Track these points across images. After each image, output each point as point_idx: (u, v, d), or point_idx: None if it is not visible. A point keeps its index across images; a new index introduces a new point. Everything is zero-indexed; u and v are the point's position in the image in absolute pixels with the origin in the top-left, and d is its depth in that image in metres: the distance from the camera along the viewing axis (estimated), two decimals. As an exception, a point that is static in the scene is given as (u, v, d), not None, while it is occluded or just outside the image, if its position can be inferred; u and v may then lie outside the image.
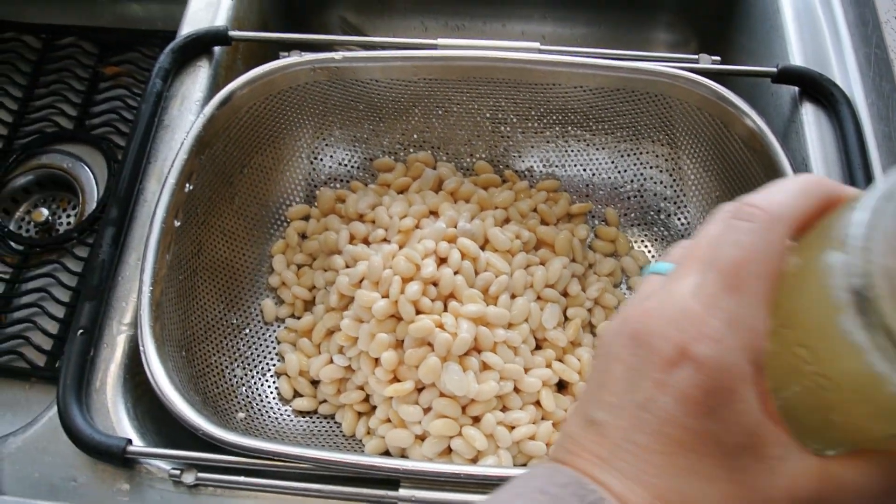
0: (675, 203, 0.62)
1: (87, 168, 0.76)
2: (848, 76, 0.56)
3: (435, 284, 0.54)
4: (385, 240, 0.58)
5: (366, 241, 0.59)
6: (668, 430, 0.23)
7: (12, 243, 0.72)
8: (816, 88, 0.55)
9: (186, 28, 0.60)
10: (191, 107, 0.56)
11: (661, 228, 0.62)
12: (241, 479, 0.44)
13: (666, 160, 0.62)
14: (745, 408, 0.23)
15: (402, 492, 0.43)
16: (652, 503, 0.23)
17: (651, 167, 0.63)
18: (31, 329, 0.67)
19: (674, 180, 0.62)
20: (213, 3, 0.61)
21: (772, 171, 0.52)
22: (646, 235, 0.63)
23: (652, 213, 0.63)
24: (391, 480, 0.44)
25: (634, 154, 0.63)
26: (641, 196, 0.63)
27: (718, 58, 0.57)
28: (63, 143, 0.77)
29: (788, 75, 0.55)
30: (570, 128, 0.62)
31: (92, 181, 0.75)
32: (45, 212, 0.74)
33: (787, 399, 0.25)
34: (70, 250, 0.71)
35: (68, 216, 0.75)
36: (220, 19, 0.61)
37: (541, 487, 0.23)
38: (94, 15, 0.82)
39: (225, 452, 0.44)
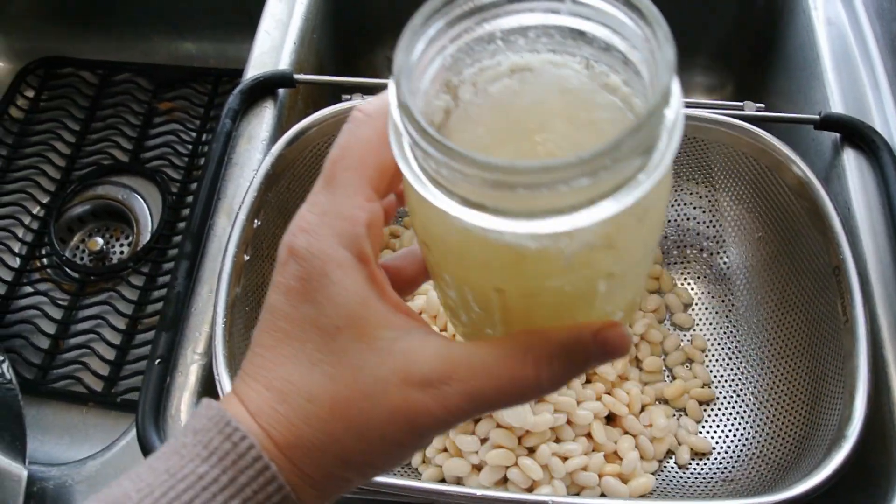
0: (717, 242, 0.64)
1: (141, 199, 0.79)
2: (888, 123, 0.58)
3: (491, 319, 0.56)
4: (440, 274, 0.60)
5: (420, 276, 0.61)
6: (279, 324, 0.24)
7: (69, 271, 0.75)
8: (858, 135, 0.57)
9: (252, 71, 0.63)
10: (258, 145, 0.59)
11: (704, 266, 0.65)
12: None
13: (705, 200, 0.64)
14: (340, 291, 0.24)
15: (469, 520, 0.45)
16: (262, 393, 0.24)
17: (693, 207, 0.65)
18: (89, 355, 0.70)
19: (713, 220, 0.65)
20: (277, 47, 0.64)
21: (817, 216, 0.54)
22: (689, 273, 0.65)
23: (694, 251, 0.65)
24: (457, 509, 0.45)
25: (676, 193, 0.65)
26: (683, 235, 0.65)
27: (763, 105, 0.59)
28: (118, 175, 0.80)
29: (831, 123, 0.58)
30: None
31: (146, 212, 0.78)
32: (101, 241, 0.77)
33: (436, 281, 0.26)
34: (125, 279, 0.74)
35: (122, 246, 0.77)
36: (284, 62, 0.64)
37: (193, 426, 0.24)
38: (149, 52, 0.86)
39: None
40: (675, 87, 0.21)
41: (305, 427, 0.24)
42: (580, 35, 0.24)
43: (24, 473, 0.47)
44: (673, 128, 0.21)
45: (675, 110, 0.21)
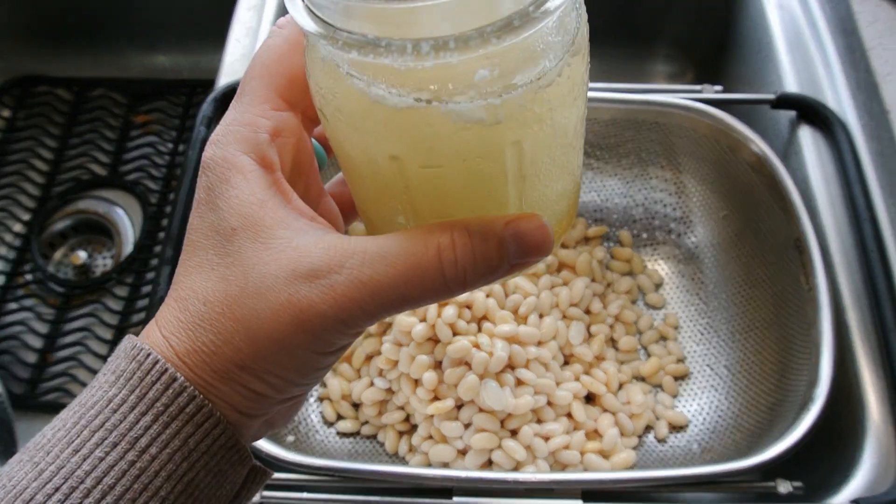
0: (683, 223, 0.66)
1: (121, 212, 0.80)
2: (840, 100, 0.61)
3: (469, 307, 0.57)
4: (418, 268, 0.62)
5: (399, 270, 0.63)
6: (190, 237, 0.24)
7: (53, 285, 0.76)
8: (813, 113, 0.60)
9: (224, 79, 0.64)
10: (233, 151, 0.60)
11: (673, 247, 0.67)
12: (305, 495, 0.47)
13: (672, 183, 0.66)
14: (238, 193, 0.23)
15: (456, 499, 0.46)
16: (169, 305, 0.24)
17: (659, 190, 0.67)
18: (77, 367, 0.71)
19: (680, 202, 0.67)
20: (248, 55, 0.65)
21: (777, 191, 0.56)
22: (658, 254, 0.67)
23: (663, 233, 0.67)
24: (443, 490, 0.47)
25: (643, 178, 0.67)
26: (652, 217, 0.67)
27: (720, 87, 0.61)
28: (98, 189, 0.81)
29: (787, 101, 0.60)
30: (583, 157, 0.67)
31: (127, 224, 0.79)
32: (83, 255, 0.78)
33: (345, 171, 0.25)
34: (109, 290, 0.75)
35: (104, 258, 0.78)
36: (255, 69, 0.65)
37: (108, 361, 0.24)
38: (123, 67, 0.87)
39: (285, 471, 0.48)
40: None
41: (200, 331, 0.23)
42: None
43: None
44: None
45: None
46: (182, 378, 0.23)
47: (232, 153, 0.24)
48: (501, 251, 0.23)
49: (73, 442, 0.22)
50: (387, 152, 0.23)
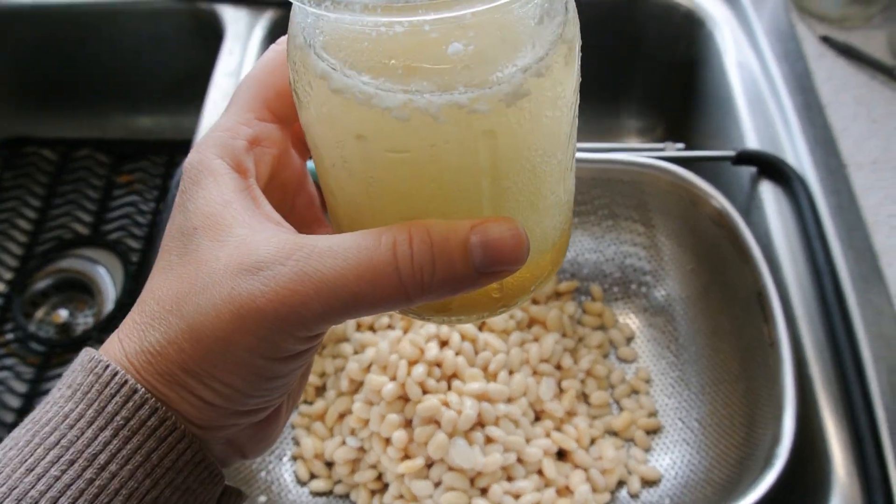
0: (654, 276, 0.67)
1: (103, 270, 0.81)
2: (799, 155, 0.62)
3: (438, 365, 0.58)
4: (389, 326, 0.62)
5: (371, 328, 0.64)
6: (163, 243, 0.24)
7: (34, 344, 0.76)
8: (772, 168, 0.61)
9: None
10: (207, 213, 0.62)
11: (644, 300, 0.67)
12: (269, 559, 0.47)
13: (644, 237, 0.68)
14: (205, 194, 0.23)
15: (420, 562, 0.46)
16: (133, 310, 0.23)
17: (630, 245, 0.68)
18: (54, 427, 0.71)
19: (651, 256, 0.68)
20: (224, 118, 0.67)
21: (738, 246, 0.57)
22: (629, 308, 0.68)
23: (634, 286, 0.68)
24: (409, 553, 0.47)
25: (614, 232, 0.68)
26: (623, 272, 0.68)
27: (682, 144, 0.63)
28: (80, 248, 0.82)
29: (746, 158, 0.62)
30: (553, 212, 0.68)
31: (108, 282, 0.80)
32: (64, 313, 0.79)
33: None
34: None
35: (86, 316, 0.79)
36: (231, 132, 0.67)
37: (64, 375, 0.23)
38: (107, 128, 0.89)
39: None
40: None
41: (150, 330, 0.22)
42: None
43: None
44: None
45: None
46: (143, 389, 0.21)
47: (208, 157, 0.24)
48: (465, 256, 0.20)
49: (25, 461, 0.21)
50: (353, 131, 0.21)
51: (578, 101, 0.25)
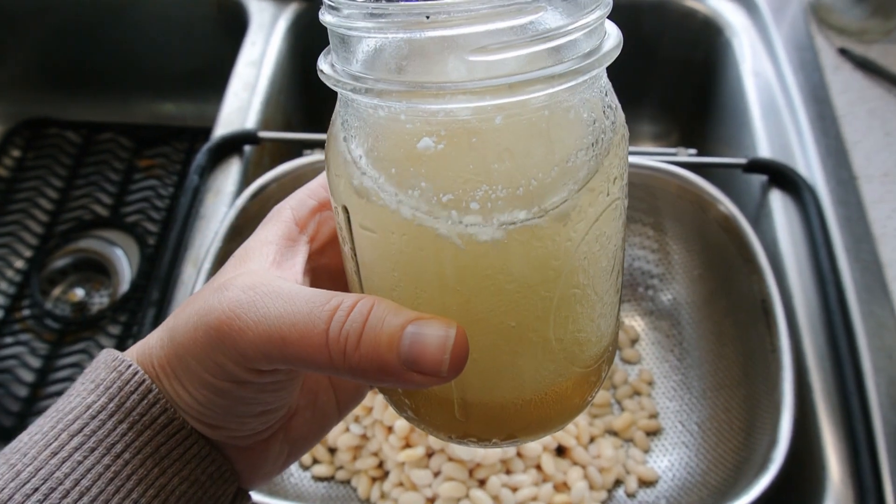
0: (661, 280, 0.68)
1: (120, 252, 0.83)
2: (810, 165, 0.63)
3: (443, 357, 0.59)
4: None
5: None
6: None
7: (49, 322, 0.78)
8: (783, 177, 0.62)
9: (220, 129, 0.67)
10: (224, 199, 0.63)
11: (650, 303, 0.68)
12: (269, 537, 0.48)
13: (653, 241, 0.68)
14: (261, 231, 0.26)
15: (416, 547, 0.47)
16: (158, 336, 0.24)
17: (640, 247, 0.69)
18: (66, 402, 0.73)
19: (660, 260, 0.68)
20: (244, 107, 0.69)
21: (745, 252, 0.58)
22: (636, 311, 0.68)
23: (641, 289, 0.68)
24: (405, 537, 0.48)
25: (627, 236, 0.69)
26: (631, 274, 0.69)
27: (695, 151, 0.64)
28: (99, 230, 0.84)
29: (757, 166, 0.62)
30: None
31: (125, 264, 0.82)
32: (81, 292, 0.80)
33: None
34: (103, 328, 0.77)
35: (101, 296, 0.81)
36: (250, 121, 0.68)
37: (85, 371, 0.25)
38: (130, 113, 0.90)
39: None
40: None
41: (153, 337, 0.25)
42: None
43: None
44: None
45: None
46: (156, 389, 0.23)
47: (286, 205, 0.27)
48: (393, 342, 0.20)
49: (50, 445, 0.23)
50: (394, 253, 0.21)
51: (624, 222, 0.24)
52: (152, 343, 0.24)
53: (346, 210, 0.22)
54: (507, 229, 0.19)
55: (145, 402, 0.23)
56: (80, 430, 0.23)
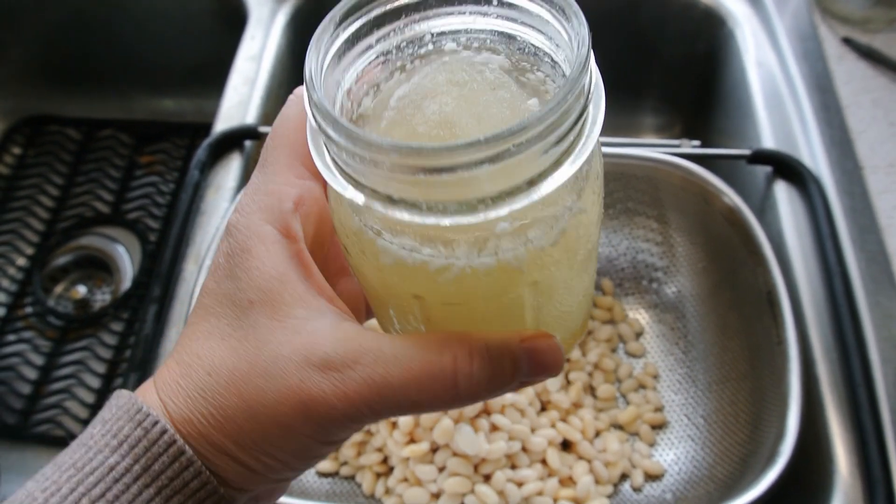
0: (665, 273, 0.67)
1: (121, 249, 0.82)
2: (815, 155, 0.62)
3: (447, 351, 0.58)
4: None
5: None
6: (203, 301, 0.24)
7: (52, 319, 0.78)
8: (788, 168, 0.61)
9: (220, 124, 0.67)
10: (225, 195, 0.63)
11: (654, 296, 0.68)
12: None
13: (657, 234, 0.68)
14: (258, 265, 0.23)
15: (421, 543, 0.47)
16: (171, 368, 0.23)
17: (643, 241, 0.68)
18: (69, 399, 0.72)
19: (664, 252, 0.68)
20: (244, 102, 0.68)
21: (750, 244, 0.57)
22: (640, 303, 0.68)
23: (645, 282, 0.68)
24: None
25: (628, 228, 0.69)
26: (635, 267, 0.69)
27: (698, 142, 0.63)
28: (100, 226, 0.84)
29: (761, 157, 0.62)
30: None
31: (126, 261, 0.82)
32: (83, 289, 0.80)
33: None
34: (106, 325, 0.77)
35: (103, 293, 0.80)
36: (251, 116, 0.68)
37: (102, 416, 0.23)
38: (131, 109, 0.90)
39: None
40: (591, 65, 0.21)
41: (201, 401, 0.22)
42: (507, 37, 0.24)
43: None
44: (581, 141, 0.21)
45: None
46: (190, 452, 0.22)
47: (255, 222, 0.23)
48: (515, 368, 0.23)
49: None
50: (409, 292, 0.23)
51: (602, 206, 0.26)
52: (209, 422, 0.22)
53: (416, 297, 0.24)
54: (497, 258, 0.21)
55: (177, 465, 0.22)
56: (102, 495, 0.21)
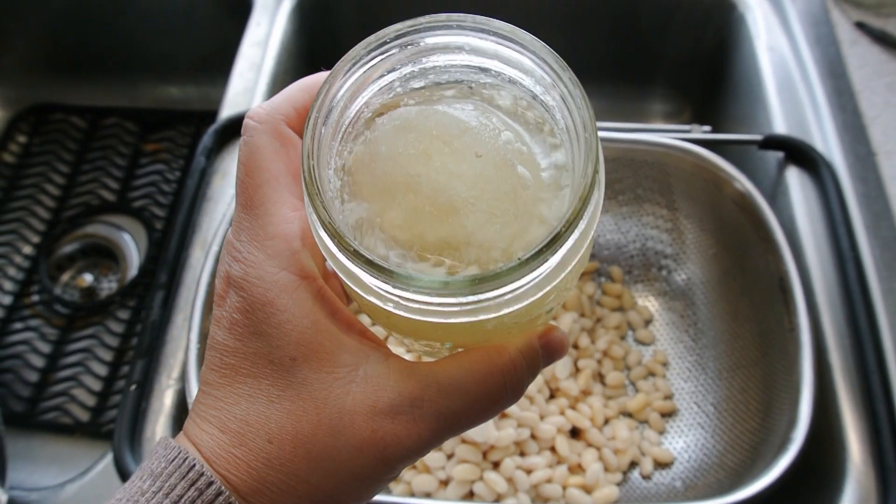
0: (675, 260, 0.67)
1: (127, 237, 0.82)
2: (827, 141, 0.61)
3: (455, 338, 0.58)
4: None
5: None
6: (227, 361, 0.22)
7: (58, 307, 0.77)
8: (800, 154, 0.60)
9: (226, 111, 0.67)
10: (231, 181, 0.62)
11: (664, 284, 0.67)
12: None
13: (666, 221, 0.67)
14: (288, 318, 0.22)
15: (430, 529, 0.47)
16: (216, 437, 0.22)
17: (652, 227, 0.68)
18: (76, 387, 0.72)
19: (673, 239, 0.67)
20: (250, 88, 0.68)
21: (762, 230, 0.57)
22: (649, 291, 0.67)
23: (654, 269, 0.68)
24: (419, 520, 0.47)
25: (636, 215, 0.68)
26: (644, 255, 0.68)
27: (709, 127, 0.62)
28: (106, 215, 0.83)
29: (773, 142, 0.61)
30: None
31: (132, 249, 0.81)
32: (89, 278, 0.80)
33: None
34: (112, 313, 0.77)
35: (110, 282, 0.80)
36: (257, 102, 0.67)
37: (151, 469, 0.22)
38: (136, 97, 0.90)
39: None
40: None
41: (268, 470, 0.22)
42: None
43: (4, 497, 0.50)
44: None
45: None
46: None
47: (270, 271, 0.22)
48: (539, 362, 0.25)
49: None
50: (437, 340, 0.25)
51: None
52: (281, 489, 0.22)
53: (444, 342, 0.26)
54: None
55: None
56: None
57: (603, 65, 0.81)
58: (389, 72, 0.24)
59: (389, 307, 0.22)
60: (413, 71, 0.25)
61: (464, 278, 0.20)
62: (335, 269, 0.22)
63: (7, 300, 0.78)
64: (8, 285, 0.79)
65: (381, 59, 0.24)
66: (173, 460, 0.22)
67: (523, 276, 0.21)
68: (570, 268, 0.22)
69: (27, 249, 0.82)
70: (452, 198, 0.23)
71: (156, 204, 0.83)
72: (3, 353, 0.75)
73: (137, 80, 0.89)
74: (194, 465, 0.21)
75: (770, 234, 0.56)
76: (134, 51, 0.88)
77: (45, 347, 0.75)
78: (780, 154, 0.62)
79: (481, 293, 0.21)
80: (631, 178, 0.66)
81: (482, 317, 0.22)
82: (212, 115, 0.85)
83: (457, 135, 0.24)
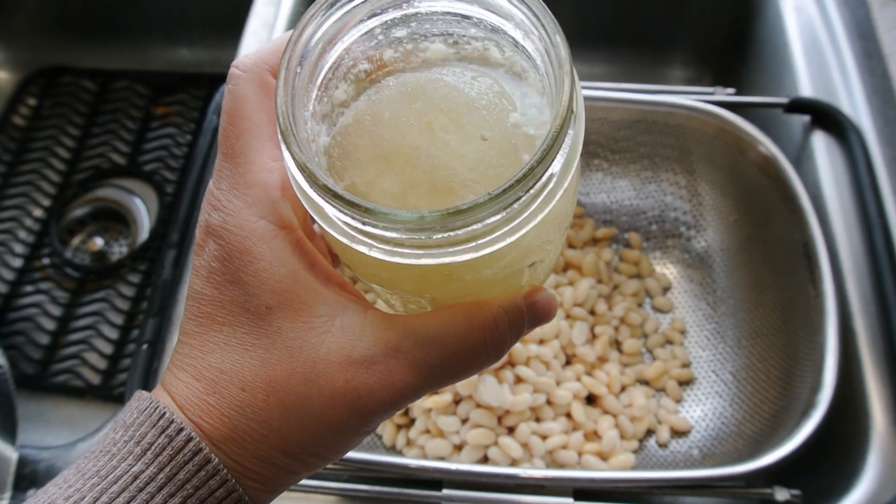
0: (694, 227, 0.66)
1: (138, 201, 0.81)
2: (855, 105, 0.60)
3: (470, 302, 0.57)
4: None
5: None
6: (205, 310, 0.22)
7: (69, 270, 0.77)
8: (827, 117, 0.59)
9: (239, 69, 0.65)
10: (244, 140, 0.61)
11: (682, 251, 0.66)
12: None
13: (684, 187, 0.66)
14: (265, 266, 0.22)
15: (445, 492, 0.46)
16: (191, 385, 0.22)
17: (670, 194, 0.66)
18: (87, 350, 0.72)
19: (692, 206, 0.66)
20: (263, 47, 0.66)
21: (786, 195, 0.55)
22: (667, 258, 0.66)
23: (673, 236, 0.66)
24: (434, 482, 0.47)
25: (655, 181, 0.67)
26: (662, 221, 0.67)
27: (733, 90, 0.61)
28: (116, 178, 0.83)
29: (799, 105, 0.59)
30: (592, 158, 0.66)
31: (143, 213, 0.81)
32: (100, 241, 0.79)
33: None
34: (123, 277, 0.76)
35: (120, 245, 0.80)
36: (269, 61, 0.66)
37: (124, 420, 0.22)
38: (147, 59, 0.88)
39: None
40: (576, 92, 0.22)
41: (241, 418, 0.22)
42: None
43: (15, 455, 0.49)
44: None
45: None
46: (216, 461, 0.21)
47: (248, 219, 0.22)
48: (523, 321, 0.24)
49: None
50: (421, 294, 0.24)
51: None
52: (253, 437, 0.22)
53: (428, 296, 0.25)
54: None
55: (202, 473, 0.21)
56: None
57: (620, 29, 0.79)
58: (370, 16, 0.24)
59: (363, 249, 0.21)
60: (395, 17, 0.24)
61: (434, 211, 0.20)
62: (309, 210, 0.22)
63: (18, 263, 0.78)
64: (19, 248, 0.79)
65: (362, 2, 0.23)
66: (144, 409, 0.22)
67: (495, 213, 0.20)
68: (545, 212, 0.21)
69: (38, 213, 0.81)
70: (451, 177, 0.22)
71: (167, 168, 0.82)
72: (14, 316, 0.74)
73: (148, 43, 0.88)
74: (164, 413, 0.21)
75: (795, 200, 0.54)
76: (145, 13, 0.86)
77: (56, 311, 0.74)
78: (805, 118, 0.60)
79: (452, 230, 0.20)
80: (649, 142, 0.64)
81: (456, 258, 0.21)
82: (223, 78, 0.83)
83: (465, 113, 0.23)
